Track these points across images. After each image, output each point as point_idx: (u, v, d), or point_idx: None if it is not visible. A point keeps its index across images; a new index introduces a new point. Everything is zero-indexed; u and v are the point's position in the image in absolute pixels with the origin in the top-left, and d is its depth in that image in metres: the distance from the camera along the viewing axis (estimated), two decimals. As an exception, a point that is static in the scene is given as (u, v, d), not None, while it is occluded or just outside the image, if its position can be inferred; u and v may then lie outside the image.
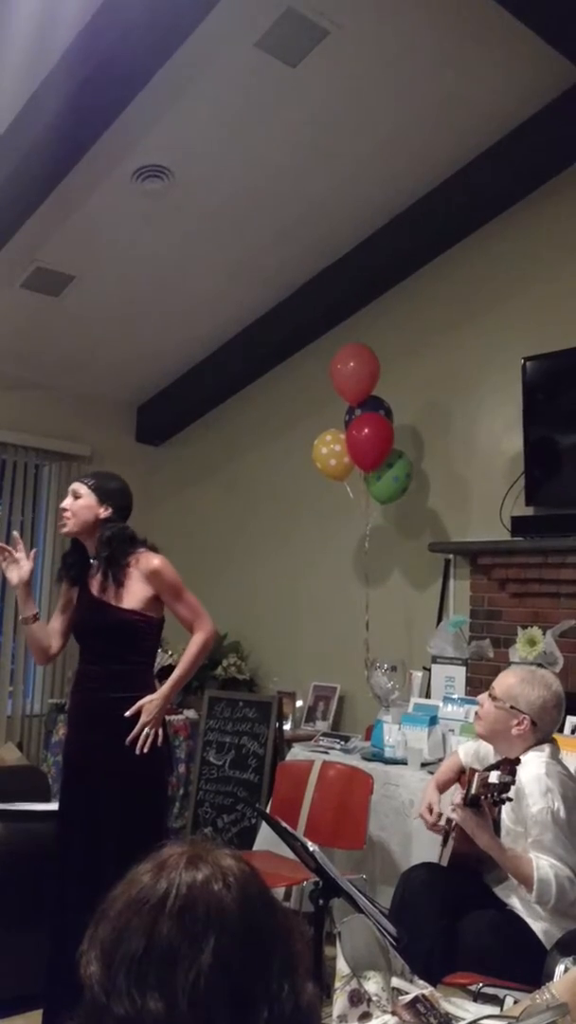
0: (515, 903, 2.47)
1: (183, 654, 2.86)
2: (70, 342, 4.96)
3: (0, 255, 4.07)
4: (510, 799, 2.32)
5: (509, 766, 2.31)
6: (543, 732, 2.56)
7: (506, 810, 2.45)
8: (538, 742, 2.54)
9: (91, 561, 2.82)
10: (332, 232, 4.42)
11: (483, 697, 2.66)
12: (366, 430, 4.18)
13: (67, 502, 2.79)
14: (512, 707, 2.53)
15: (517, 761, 2.34)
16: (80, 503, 2.77)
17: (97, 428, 5.54)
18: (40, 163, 3.53)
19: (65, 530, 2.80)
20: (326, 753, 3.79)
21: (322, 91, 3.56)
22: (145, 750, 2.64)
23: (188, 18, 3.05)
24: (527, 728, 2.53)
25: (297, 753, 3.91)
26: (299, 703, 4.79)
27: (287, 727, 4.55)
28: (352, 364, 4.27)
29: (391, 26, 3.30)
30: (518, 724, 2.52)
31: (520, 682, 2.57)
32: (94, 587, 2.79)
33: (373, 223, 4.40)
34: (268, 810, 3.44)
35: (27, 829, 3.00)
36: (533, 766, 2.44)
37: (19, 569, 2.75)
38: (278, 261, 4.58)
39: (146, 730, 2.64)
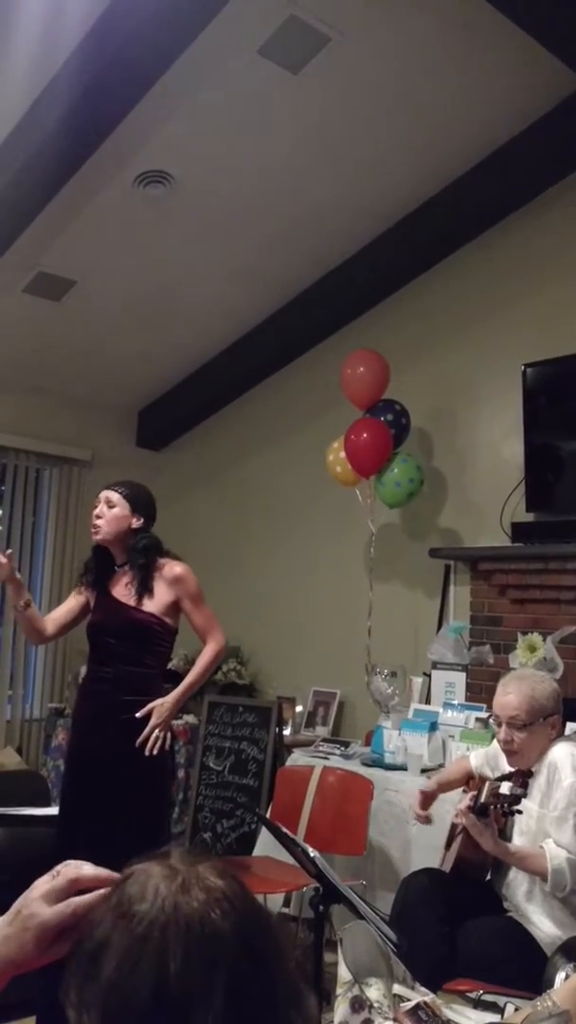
0: (525, 907, 2.47)
1: (196, 662, 2.88)
2: (71, 347, 4.97)
3: (2, 260, 4.08)
4: (519, 812, 2.32)
5: (521, 778, 2.30)
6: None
7: (536, 793, 2.45)
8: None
9: (115, 568, 2.86)
10: (333, 238, 4.43)
11: (507, 733, 2.49)
12: (364, 435, 4.18)
13: (100, 509, 2.82)
14: (544, 717, 2.50)
15: (530, 774, 2.34)
16: (115, 512, 2.81)
17: (98, 433, 5.55)
18: (43, 168, 3.54)
19: (99, 537, 2.82)
20: (326, 759, 3.78)
21: (323, 98, 3.57)
22: (154, 752, 2.66)
23: (191, 24, 3.07)
24: (560, 724, 2.56)
25: (297, 759, 3.90)
26: (299, 708, 4.78)
27: (287, 732, 4.55)
28: (361, 369, 4.28)
29: (392, 34, 3.31)
30: (552, 726, 2.53)
31: (532, 691, 2.51)
32: (116, 591, 2.83)
33: (374, 229, 4.41)
34: (268, 815, 3.43)
35: (27, 833, 3.00)
36: (566, 747, 2.48)
37: (2, 571, 2.70)
38: (279, 267, 4.59)
39: (156, 732, 2.67)
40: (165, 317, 4.85)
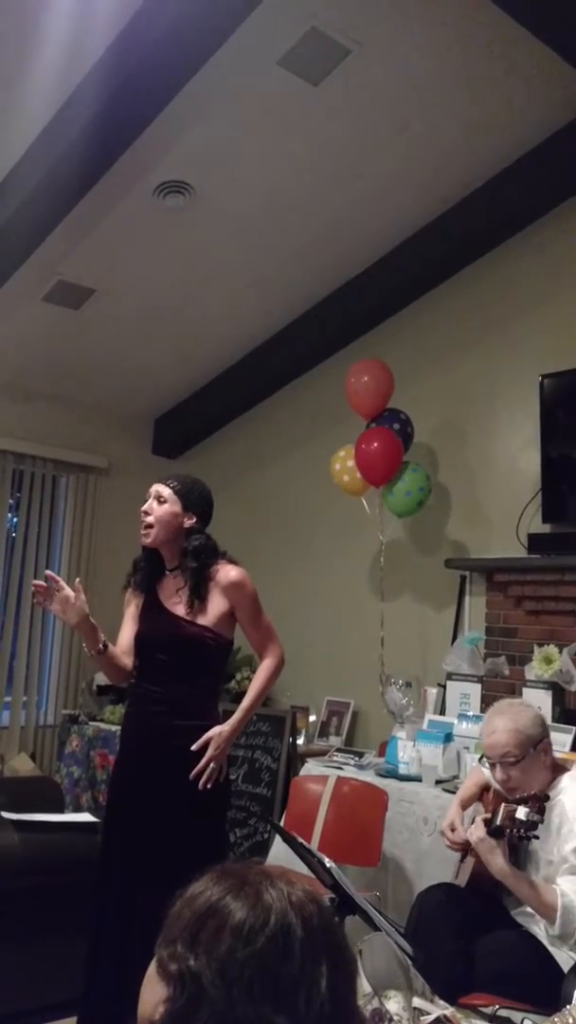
0: (536, 930, 2.44)
1: (252, 681, 2.62)
2: (89, 355, 5.00)
3: (23, 268, 4.11)
4: (536, 837, 2.28)
5: (538, 804, 2.26)
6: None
7: (547, 833, 2.38)
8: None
9: (166, 572, 2.59)
10: (351, 249, 4.44)
11: (502, 773, 2.45)
12: (375, 444, 4.18)
13: (150, 505, 2.53)
14: (534, 746, 2.46)
15: (546, 798, 2.30)
16: (166, 509, 2.52)
17: (114, 440, 5.57)
18: (65, 177, 3.57)
19: (148, 541, 2.55)
20: (340, 769, 3.77)
21: (343, 109, 3.59)
22: (209, 786, 2.44)
23: (213, 36, 3.09)
24: (550, 747, 2.52)
25: (311, 768, 3.89)
26: (312, 718, 4.77)
27: (300, 742, 4.54)
28: (365, 379, 4.29)
29: (412, 45, 3.33)
30: (545, 753, 2.49)
31: (516, 725, 2.46)
32: (165, 597, 2.56)
33: (392, 240, 4.42)
34: (282, 825, 3.42)
35: (47, 840, 2.99)
36: (574, 792, 2.41)
37: (73, 610, 2.44)
38: (296, 277, 4.61)
39: (212, 765, 2.44)
40: (182, 327, 4.88)
